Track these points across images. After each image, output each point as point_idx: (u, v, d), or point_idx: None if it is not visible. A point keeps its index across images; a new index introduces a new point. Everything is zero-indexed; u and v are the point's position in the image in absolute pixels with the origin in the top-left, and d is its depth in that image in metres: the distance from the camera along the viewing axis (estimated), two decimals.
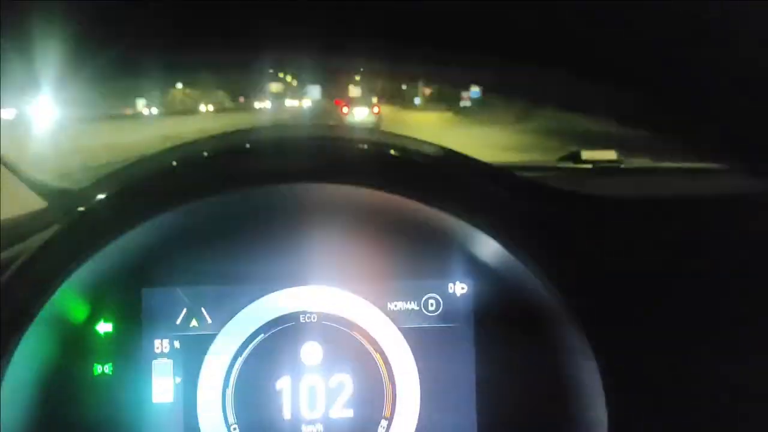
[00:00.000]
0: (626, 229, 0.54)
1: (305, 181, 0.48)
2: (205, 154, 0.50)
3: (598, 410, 0.49)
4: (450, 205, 0.48)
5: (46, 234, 0.48)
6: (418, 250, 0.56)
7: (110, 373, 0.54)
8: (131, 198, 0.49)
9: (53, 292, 0.47)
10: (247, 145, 0.49)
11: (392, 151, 0.48)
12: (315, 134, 0.50)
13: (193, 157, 0.51)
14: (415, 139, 0.52)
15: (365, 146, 0.47)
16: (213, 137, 0.54)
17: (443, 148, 0.53)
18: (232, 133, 0.54)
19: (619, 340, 0.49)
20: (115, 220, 0.48)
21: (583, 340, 0.49)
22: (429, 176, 0.48)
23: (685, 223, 0.56)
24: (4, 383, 0.46)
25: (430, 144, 0.53)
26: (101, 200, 0.49)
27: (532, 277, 0.51)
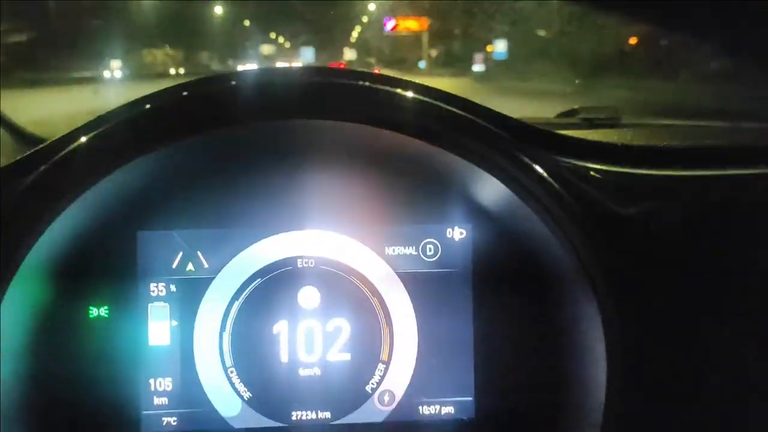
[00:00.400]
0: (639, 180, 0.56)
1: (298, 117, 0.49)
2: (186, 93, 0.51)
3: (597, 354, 0.52)
4: (452, 143, 0.50)
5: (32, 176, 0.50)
6: (416, 194, 0.59)
7: (106, 315, 0.57)
8: (115, 138, 0.50)
9: (42, 231, 0.49)
10: (233, 82, 0.51)
11: (390, 89, 0.50)
12: (307, 72, 0.51)
13: (175, 97, 0.51)
14: (412, 81, 0.54)
15: (364, 83, 0.49)
16: (201, 79, 0.55)
17: (443, 91, 0.55)
18: (221, 74, 0.56)
19: (625, 295, 0.51)
20: (100, 160, 0.49)
21: (586, 287, 0.51)
22: (431, 115, 0.50)
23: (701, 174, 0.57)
24: None
25: (429, 86, 0.55)
26: (84, 142, 0.50)
27: (533, 222, 0.54)
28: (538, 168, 0.51)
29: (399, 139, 0.52)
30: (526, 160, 0.51)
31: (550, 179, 0.51)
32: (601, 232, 0.51)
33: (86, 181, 0.49)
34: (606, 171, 0.55)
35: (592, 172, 0.54)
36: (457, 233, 0.59)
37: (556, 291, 0.56)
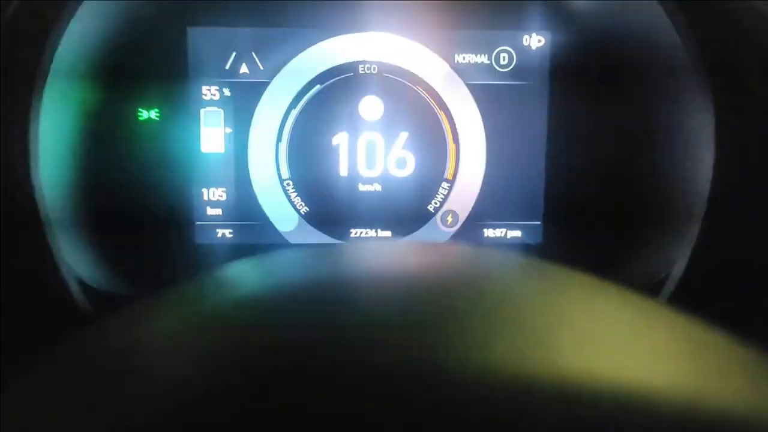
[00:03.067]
0: None
1: None
2: None
3: (702, 162, 0.49)
4: None
5: None
6: None
7: (157, 119, 0.56)
8: None
9: (67, 21, 0.46)
10: None
11: None
12: None
13: None
14: None
15: None
16: None
17: None
18: None
19: (733, 87, 0.47)
20: None
21: (693, 82, 0.48)
22: None
23: None
24: (42, 117, 0.48)
25: None
26: None
27: (629, 16, 0.50)
28: None
29: None
30: None
31: None
32: (714, 22, 0.47)
33: None
34: None
35: None
36: (535, 41, 0.56)
37: (647, 95, 0.53)
